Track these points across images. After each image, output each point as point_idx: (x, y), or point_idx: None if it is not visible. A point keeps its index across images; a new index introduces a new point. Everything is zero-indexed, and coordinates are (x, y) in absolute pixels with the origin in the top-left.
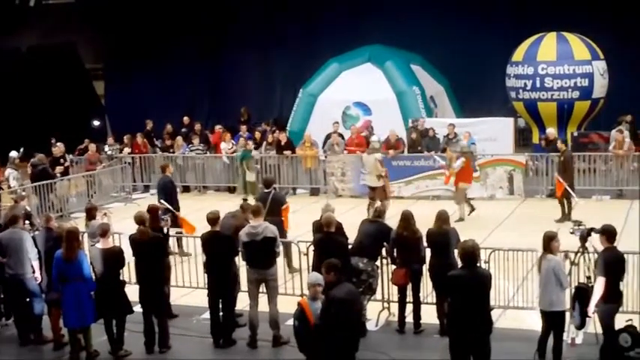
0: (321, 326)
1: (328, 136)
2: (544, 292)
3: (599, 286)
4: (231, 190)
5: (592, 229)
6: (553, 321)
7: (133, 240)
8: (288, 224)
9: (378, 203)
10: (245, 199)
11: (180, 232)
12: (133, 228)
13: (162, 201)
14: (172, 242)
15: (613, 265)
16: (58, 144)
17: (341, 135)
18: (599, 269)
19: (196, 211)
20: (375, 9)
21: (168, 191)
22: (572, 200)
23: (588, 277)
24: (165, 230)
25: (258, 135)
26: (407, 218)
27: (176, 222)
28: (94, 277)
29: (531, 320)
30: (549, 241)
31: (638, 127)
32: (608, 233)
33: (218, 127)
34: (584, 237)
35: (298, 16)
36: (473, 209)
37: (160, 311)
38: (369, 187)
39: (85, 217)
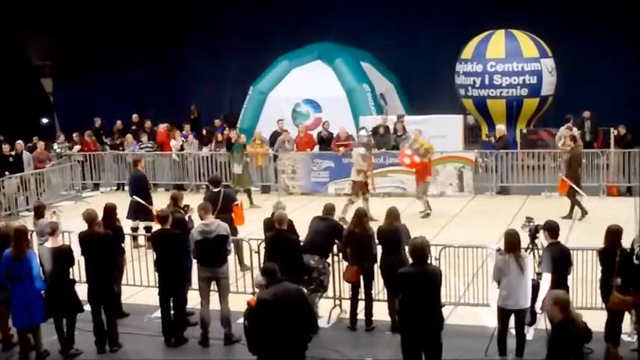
0: (251, 327)
1: (274, 134)
2: (520, 290)
3: (545, 283)
4: (181, 187)
5: (538, 226)
6: (518, 317)
7: (82, 238)
8: (244, 220)
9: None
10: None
11: (137, 228)
12: (82, 226)
13: (135, 197)
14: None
15: (559, 260)
16: (18, 143)
17: (285, 131)
18: (545, 266)
19: None
20: (324, 7)
21: (142, 186)
22: (579, 197)
23: (538, 274)
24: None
25: (205, 132)
26: (360, 216)
27: (151, 216)
28: (43, 276)
29: (483, 316)
30: (513, 238)
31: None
32: (551, 229)
33: (162, 126)
34: (533, 234)
35: (248, 14)
36: (428, 213)
37: (109, 310)
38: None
39: (33, 216)
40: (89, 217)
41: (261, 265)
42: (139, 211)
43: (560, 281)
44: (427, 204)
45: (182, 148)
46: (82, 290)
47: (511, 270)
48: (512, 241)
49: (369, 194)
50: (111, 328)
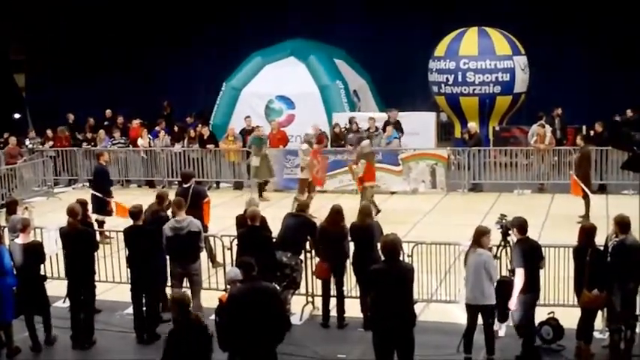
0: (222, 324)
1: (242, 131)
2: (474, 286)
3: (519, 279)
4: (151, 184)
5: (509, 223)
6: (483, 315)
7: (62, 233)
8: (209, 218)
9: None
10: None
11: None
12: (55, 222)
13: (92, 191)
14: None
15: (529, 254)
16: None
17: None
18: (517, 261)
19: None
20: (298, 3)
21: (98, 179)
22: (589, 197)
23: (511, 271)
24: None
25: (177, 128)
26: (334, 212)
27: (106, 210)
28: (14, 272)
29: (455, 313)
30: (481, 236)
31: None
32: (519, 225)
33: (136, 122)
34: (505, 231)
35: (220, 10)
36: (378, 211)
37: (88, 306)
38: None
39: (5, 212)
40: (71, 211)
41: (234, 262)
42: (98, 205)
43: (531, 276)
44: (374, 205)
45: (150, 146)
46: (54, 286)
47: (471, 265)
48: (475, 235)
49: (314, 192)
50: (87, 325)
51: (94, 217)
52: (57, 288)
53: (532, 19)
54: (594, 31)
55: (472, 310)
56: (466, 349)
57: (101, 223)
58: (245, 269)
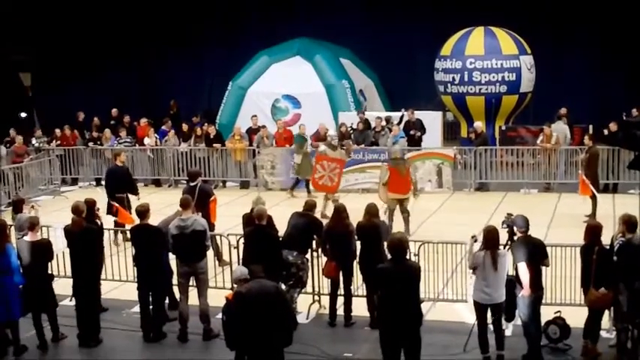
0: (229, 322)
1: (248, 130)
2: (498, 285)
3: (523, 271)
4: (157, 183)
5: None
6: (494, 312)
7: (67, 231)
8: (216, 217)
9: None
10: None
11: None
12: (60, 220)
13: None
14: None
15: (531, 251)
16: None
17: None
18: (518, 256)
19: None
20: (304, 2)
21: (109, 180)
22: (597, 198)
23: (516, 269)
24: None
25: (185, 128)
26: (339, 211)
27: (112, 211)
28: (21, 270)
29: (461, 312)
30: (497, 237)
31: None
32: (522, 223)
33: (143, 121)
34: (511, 230)
35: (226, 8)
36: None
37: (92, 303)
38: None
39: (11, 210)
40: (76, 209)
41: (240, 261)
42: (109, 207)
43: (535, 273)
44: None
45: (156, 144)
46: (61, 285)
47: (486, 265)
48: (490, 238)
49: (332, 193)
50: (93, 323)
51: (112, 218)
52: (64, 286)
53: (536, 17)
54: (600, 30)
55: (483, 308)
56: (483, 349)
57: (116, 223)
58: (250, 274)
